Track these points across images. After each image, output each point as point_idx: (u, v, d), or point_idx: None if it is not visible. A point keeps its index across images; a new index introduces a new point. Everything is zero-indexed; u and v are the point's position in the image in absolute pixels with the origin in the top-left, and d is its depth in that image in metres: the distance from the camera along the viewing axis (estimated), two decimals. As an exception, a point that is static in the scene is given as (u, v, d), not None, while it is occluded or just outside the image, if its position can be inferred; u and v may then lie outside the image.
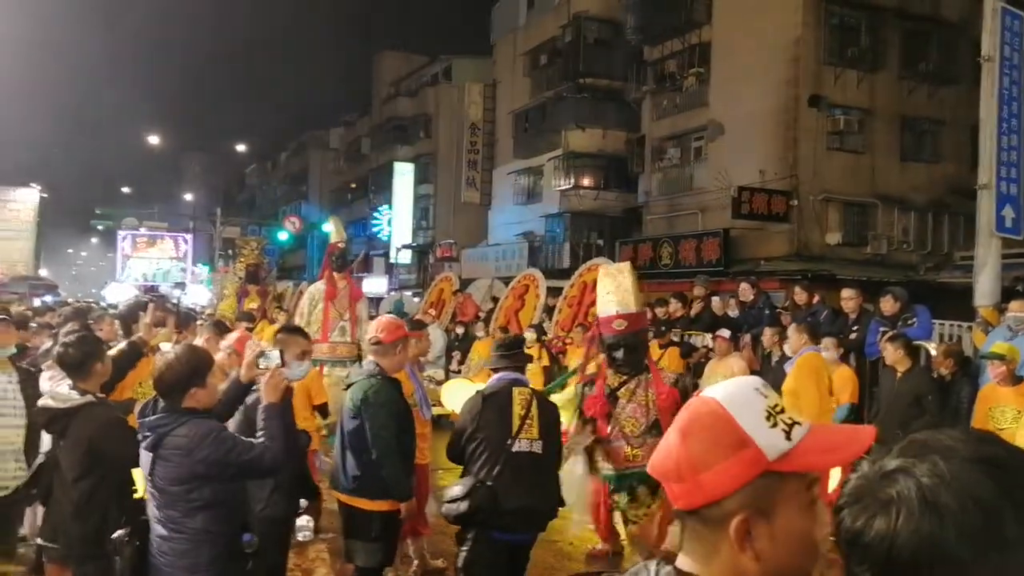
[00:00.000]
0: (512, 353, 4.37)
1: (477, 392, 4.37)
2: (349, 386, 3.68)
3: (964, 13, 17.59)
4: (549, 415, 4.18)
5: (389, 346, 4.07)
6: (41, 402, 3.67)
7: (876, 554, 0.85)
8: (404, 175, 35.38)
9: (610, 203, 25.53)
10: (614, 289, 5.33)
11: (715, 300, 10.11)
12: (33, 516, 4.86)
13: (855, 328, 8.17)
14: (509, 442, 3.96)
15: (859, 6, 18.84)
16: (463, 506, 3.87)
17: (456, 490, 3.95)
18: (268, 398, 3.15)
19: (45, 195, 37.72)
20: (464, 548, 4.03)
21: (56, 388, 3.66)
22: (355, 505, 3.87)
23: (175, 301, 19.25)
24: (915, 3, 19.24)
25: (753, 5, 18.98)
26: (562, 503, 4.29)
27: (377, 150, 39.05)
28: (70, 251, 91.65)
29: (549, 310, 13.06)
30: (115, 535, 3.23)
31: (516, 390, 4.11)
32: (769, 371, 8.06)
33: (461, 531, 4.10)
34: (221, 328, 6.03)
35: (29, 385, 4.58)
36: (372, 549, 3.99)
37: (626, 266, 5.61)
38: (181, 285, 27.30)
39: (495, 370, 4.32)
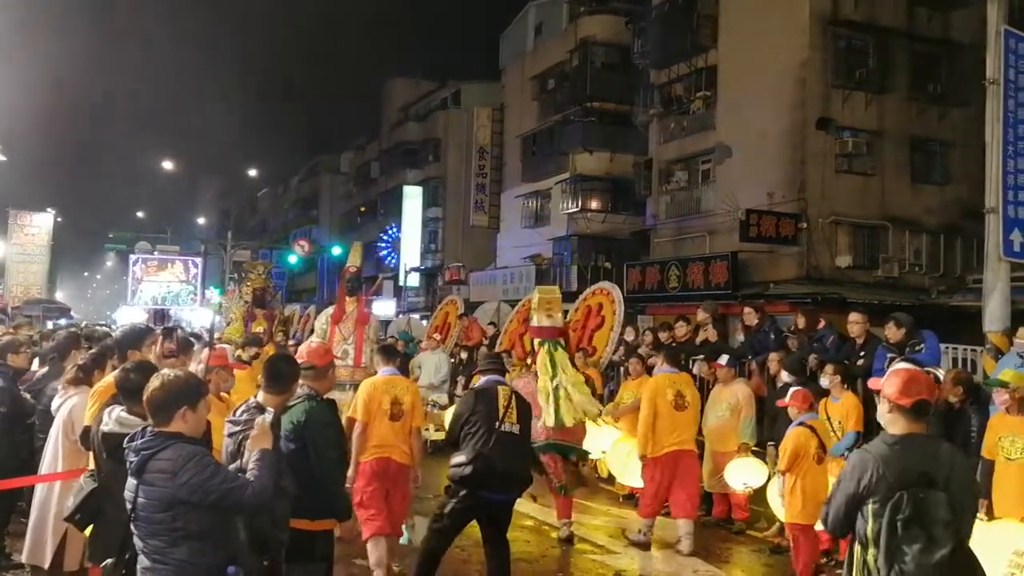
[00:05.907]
0: (496, 362, 5.83)
1: (471, 388, 5.65)
2: (286, 409, 3.72)
3: (974, 35, 17.46)
4: (524, 407, 5.40)
5: (322, 369, 4.26)
6: (106, 428, 3.67)
7: None
8: (413, 198, 35.59)
9: (618, 226, 25.52)
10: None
11: (709, 328, 9.77)
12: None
13: (862, 354, 8.02)
14: (497, 424, 5.12)
15: (866, 28, 18.78)
16: (467, 470, 4.98)
17: (460, 458, 5.06)
18: (258, 445, 3.27)
19: (60, 219, 38.20)
20: (453, 500, 5.08)
21: (119, 414, 3.67)
22: (296, 527, 3.81)
23: (182, 325, 19.28)
24: (924, 25, 19.23)
25: (759, 29, 19.01)
26: (531, 477, 5.51)
27: (386, 174, 39.32)
28: (85, 274, 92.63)
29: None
30: (103, 563, 3.20)
31: (500, 388, 5.35)
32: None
33: (455, 488, 5.10)
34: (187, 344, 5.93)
35: None
36: (316, 570, 4.03)
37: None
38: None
39: (483, 372, 5.61)
